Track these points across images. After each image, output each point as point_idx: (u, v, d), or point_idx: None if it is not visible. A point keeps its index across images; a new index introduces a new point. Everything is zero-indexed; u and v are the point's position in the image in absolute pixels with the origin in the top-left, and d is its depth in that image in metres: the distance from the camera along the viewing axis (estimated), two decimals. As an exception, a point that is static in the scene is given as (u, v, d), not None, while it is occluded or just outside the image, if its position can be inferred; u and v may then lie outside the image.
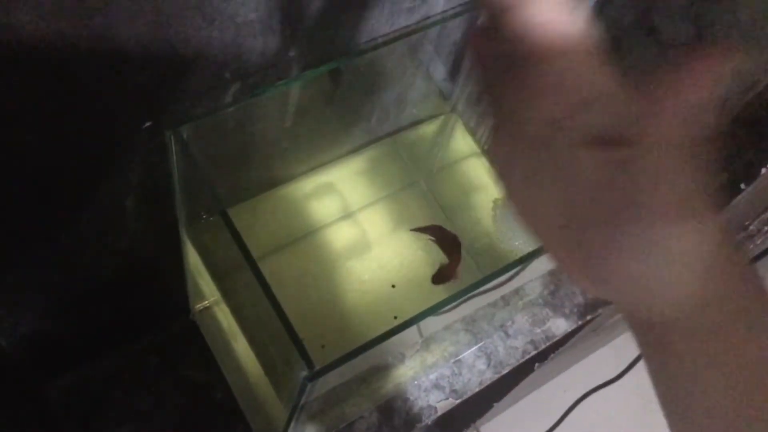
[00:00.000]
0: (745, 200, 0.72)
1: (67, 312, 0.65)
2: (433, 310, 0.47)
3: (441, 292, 0.70)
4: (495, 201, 0.72)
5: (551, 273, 0.85)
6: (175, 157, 0.48)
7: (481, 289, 0.60)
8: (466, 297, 0.55)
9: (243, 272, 0.48)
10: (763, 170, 0.63)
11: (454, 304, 0.53)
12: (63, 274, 0.60)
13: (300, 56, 0.51)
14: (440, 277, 0.69)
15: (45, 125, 0.44)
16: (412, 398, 0.79)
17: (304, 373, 0.42)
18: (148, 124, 0.48)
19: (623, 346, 1.57)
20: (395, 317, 0.68)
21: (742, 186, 0.66)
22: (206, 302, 0.75)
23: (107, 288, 0.66)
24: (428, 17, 0.56)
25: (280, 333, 0.44)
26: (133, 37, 0.41)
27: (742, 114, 0.63)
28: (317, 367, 0.42)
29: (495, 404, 1.16)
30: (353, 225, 0.72)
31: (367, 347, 0.43)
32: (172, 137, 0.46)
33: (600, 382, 1.39)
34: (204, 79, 0.48)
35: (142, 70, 0.44)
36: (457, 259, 0.70)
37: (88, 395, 0.73)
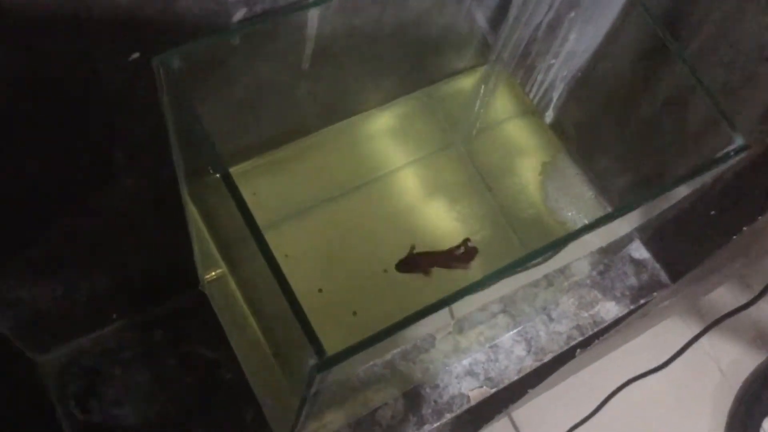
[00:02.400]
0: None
1: (59, 278, 0.58)
2: (465, 293, 0.38)
3: (477, 270, 0.61)
4: (544, 164, 0.63)
5: (601, 251, 0.76)
6: (166, 95, 0.40)
7: (523, 267, 0.51)
8: (505, 277, 0.46)
9: (248, 242, 0.40)
10: None
11: (489, 286, 0.44)
12: (52, 236, 0.53)
13: (319, -22, 0.42)
14: (406, 265, 0.60)
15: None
16: (442, 385, 0.71)
17: (313, 361, 0.33)
18: (135, 55, 0.40)
19: (670, 332, 1.47)
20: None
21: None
22: (217, 272, 0.67)
23: (104, 252, 0.59)
24: (474, -61, 0.46)
25: (287, 314, 0.36)
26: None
27: None
28: (328, 354, 0.33)
29: (530, 390, 1.08)
30: (379, 191, 0.64)
31: (385, 335, 0.34)
32: (161, 68, 0.37)
33: (642, 370, 1.30)
34: (203, 1, 0.39)
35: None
36: (441, 261, 0.60)
37: (84, 371, 0.66)
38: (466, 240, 0.61)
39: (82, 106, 0.43)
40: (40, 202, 0.49)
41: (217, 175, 0.47)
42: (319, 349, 0.33)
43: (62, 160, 0.47)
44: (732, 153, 0.43)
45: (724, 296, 1.59)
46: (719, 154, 0.44)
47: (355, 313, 0.58)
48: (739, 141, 0.43)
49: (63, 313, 0.62)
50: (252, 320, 0.61)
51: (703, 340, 1.31)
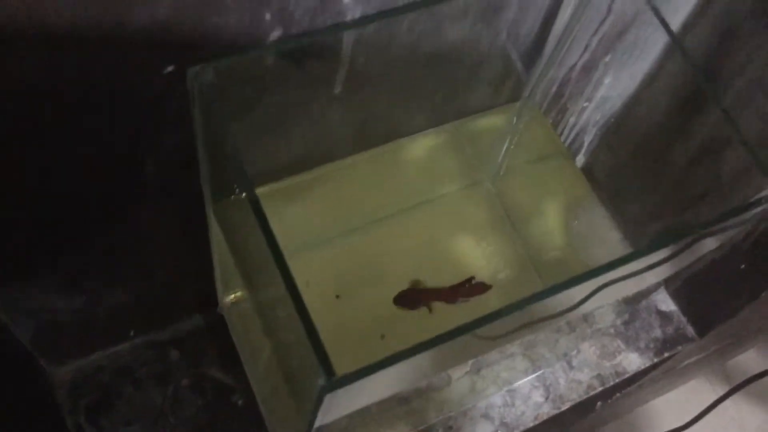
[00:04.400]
0: None
1: (81, 291, 0.58)
2: (475, 326, 0.37)
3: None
4: (572, 206, 0.62)
5: (627, 300, 0.74)
6: (198, 106, 0.40)
7: (543, 306, 0.50)
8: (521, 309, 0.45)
9: (269, 266, 0.40)
10: None
11: (503, 319, 0.43)
12: (74, 250, 0.53)
13: (355, 4, 0.42)
14: (405, 299, 0.59)
15: (45, 61, 0.37)
16: (455, 427, 0.69)
17: (322, 381, 0.33)
18: (170, 68, 0.41)
19: (695, 393, 1.43)
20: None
21: None
22: (236, 294, 0.67)
23: (127, 267, 0.59)
24: (513, -26, 0.47)
25: (300, 334, 0.36)
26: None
27: None
28: (337, 375, 0.33)
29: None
30: (403, 224, 0.63)
31: (397, 358, 0.34)
32: (195, 79, 0.38)
33: (664, 430, 1.26)
34: (239, 17, 0.40)
35: (163, -3, 0.36)
36: (443, 297, 0.60)
37: (98, 387, 0.66)
38: (471, 278, 0.60)
39: (116, 117, 0.43)
40: (71, 216, 0.50)
41: (243, 195, 0.48)
42: (328, 370, 0.33)
43: (94, 174, 0.47)
44: (764, 200, 0.42)
45: (754, 358, 1.54)
46: (750, 201, 0.43)
47: (383, 336, 0.57)
48: (772, 187, 0.43)
49: (81, 327, 0.62)
50: (267, 345, 0.61)
51: (729, 404, 1.27)
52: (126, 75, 0.40)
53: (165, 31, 0.38)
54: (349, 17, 0.43)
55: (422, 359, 0.44)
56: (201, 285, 0.66)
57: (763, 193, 0.43)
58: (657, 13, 0.47)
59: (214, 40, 0.40)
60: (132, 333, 0.67)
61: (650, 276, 0.59)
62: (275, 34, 0.42)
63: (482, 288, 0.60)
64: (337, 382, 0.33)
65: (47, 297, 0.56)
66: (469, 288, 0.60)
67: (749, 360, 1.54)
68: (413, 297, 0.59)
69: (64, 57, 0.37)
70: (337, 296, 0.58)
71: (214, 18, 0.39)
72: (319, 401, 0.34)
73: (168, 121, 0.45)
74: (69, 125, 0.42)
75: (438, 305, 0.59)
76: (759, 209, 0.43)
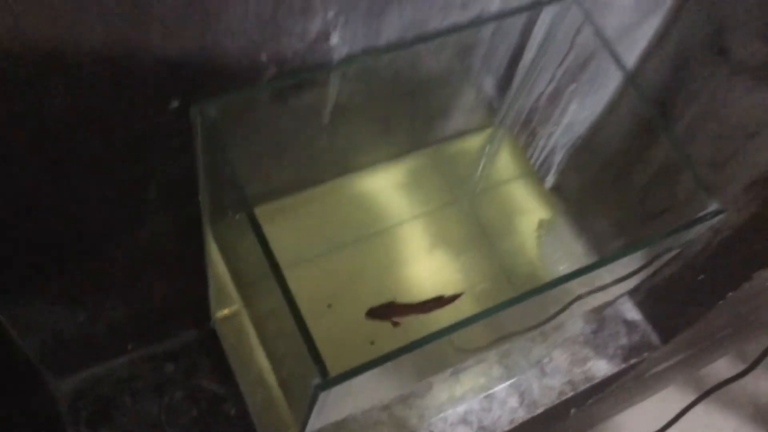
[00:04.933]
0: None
1: (84, 305, 0.62)
2: (455, 329, 0.42)
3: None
4: (541, 222, 0.67)
5: (595, 310, 0.79)
6: (200, 138, 0.44)
7: (517, 315, 0.55)
8: (495, 318, 0.50)
9: (266, 278, 0.44)
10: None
11: (480, 326, 0.48)
12: (78, 267, 0.57)
13: (341, 44, 0.47)
14: (376, 312, 0.62)
15: (62, 94, 0.41)
16: (436, 431, 0.74)
17: (317, 380, 0.37)
18: (175, 104, 0.45)
19: (666, 402, 1.49)
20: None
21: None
22: (228, 310, 0.71)
23: (124, 285, 0.63)
24: (482, 16, 0.52)
25: (295, 338, 0.40)
26: (164, 1, 0.38)
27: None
28: (331, 375, 0.37)
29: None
30: (387, 242, 0.68)
31: (384, 359, 0.38)
32: (199, 114, 0.42)
33: (637, 437, 1.30)
34: (238, 58, 0.44)
35: (171, 39, 0.41)
36: (414, 310, 0.64)
37: (97, 398, 0.70)
38: (439, 297, 0.64)
39: (124, 148, 0.47)
40: (76, 236, 0.54)
41: (238, 216, 0.52)
42: (323, 370, 0.37)
43: (101, 198, 0.51)
44: (708, 216, 0.47)
45: (725, 367, 1.60)
46: (695, 217, 0.48)
47: (372, 342, 0.61)
48: (713, 206, 0.48)
49: (84, 340, 0.65)
50: (258, 357, 0.65)
51: (701, 413, 1.32)
52: (135, 109, 0.45)
53: (172, 71, 0.43)
54: (335, 57, 0.48)
55: (408, 364, 0.48)
56: (195, 301, 0.69)
57: (707, 210, 0.49)
58: (612, 51, 0.52)
59: (215, 78, 0.45)
60: (130, 347, 0.70)
61: (613, 287, 0.64)
62: (270, 72, 0.47)
63: (453, 297, 0.64)
64: (331, 380, 0.37)
65: (53, 312, 0.60)
66: (439, 300, 0.64)
67: (720, 369, 1.59)
68: (385, 312, 0.63)
69: (82, 92, 0.42)
70: (329, 305, 0.62)
71: (216, 59, 0.44)
72: (314, 400, 0.39)
73: (171, 150, 0.49)
74: (78, 153, 0.46)
75: (413, 319, 0.63)
76: (704, 225, 0.48)
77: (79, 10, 0.37)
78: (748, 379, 1.12)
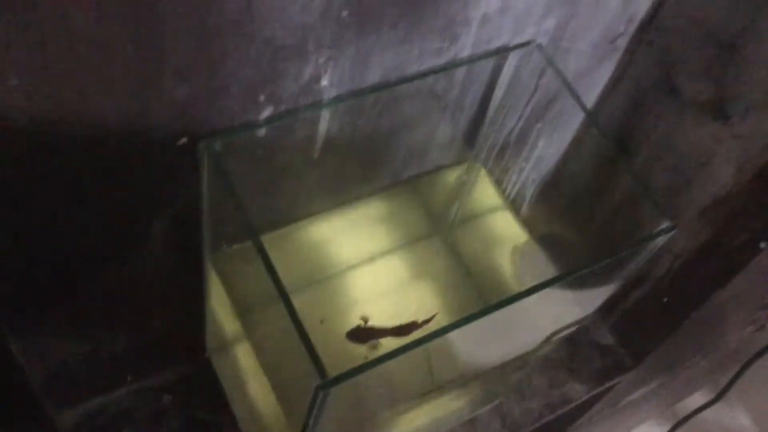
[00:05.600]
0: (765, 264, 0.71)
1: (88, 336, 0.66)
2: (434, 337, 0.46)
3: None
4: (515, 247, 0.72)
5: (570, 337, 0.84)
6: (206, 172, 0.50)
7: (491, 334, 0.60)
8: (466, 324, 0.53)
9: (267, 298, 0.48)
10: (784, 228, 0.63)
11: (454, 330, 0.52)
12: (85, 298, 0.61)
13: (331, 86, 0.53)
14: (357, 334, 0.67)
15: (76, 139, 0.46)
16: (423, 454, 0.77)
17: (318, 381, 0.42)
18: (183, 140, 0.50)
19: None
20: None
21: (762, 245, 0.66)
22: (224, 340, 0.75)
23: (127, 317, 0.67)
24: (455, 61, 0.58)
25: (297, 350, 0.44)
26: (175, 49, 0.43)
27: (762, 171, 0.63)
28: (331, 376, 0.42)
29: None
30: (370, 272, 0.72)
31: (386, 358, 0.43)
32: (206, 149, 0.47)
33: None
34: (239, 99, 0.50)
35: (180, 83, 0.46)
36: (391, 333, 0.68)
37: (96, 429, 0.73)
38: (413, 322, 0.68)
39: (133, 183, 0.52)
40: (82, 266, 0.58)
41: (235, 246, 0.57)
42: (322, 370, 0.42)
43: (109, 232, 0.56)
44: (660, 233, 0.53)
45: (700, 401, 1.65)
46: (649, 234, 0.54)
47: (366, 358, 0.64)
48: (666, 223, 0.54)
49: (87, 371, 0.69)
50: (254, 387, 0.69)
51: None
52: (145, 147, 0.50)
53: (181, 112, 0.48)
54: (325, 97, 0.54)
55: (389, 384, 0.53)
56: (192, 333, 0.73)
57: (660, 227, 0.54)
58: (572, 91, 0.59)
59: (219, 117, 0.50)
60: (129, 378, 0.74)
61: (580, 308, 0.70)
62: (267, 111, 0.52)
63: (428, 319, 0.68)
64: (330, 381, 0.41)
65: (60, 343, 0.64)
66: (415, 324, 0.68)
67: (696, 402, 1.64)
68: (363, 334, 0.67)
69: (96, 139, 0.47)
70: (322, 321, 0.66)
71: (219, 100, 0.49)
72: (314, 402, 0.43)
73: (176, 186, 0.54)
74: (87, 190, 0.51)
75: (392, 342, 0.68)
76: (657, 241, 0.54)
77: (100, 77, 0.42)
78: (722, 411, 1.17)
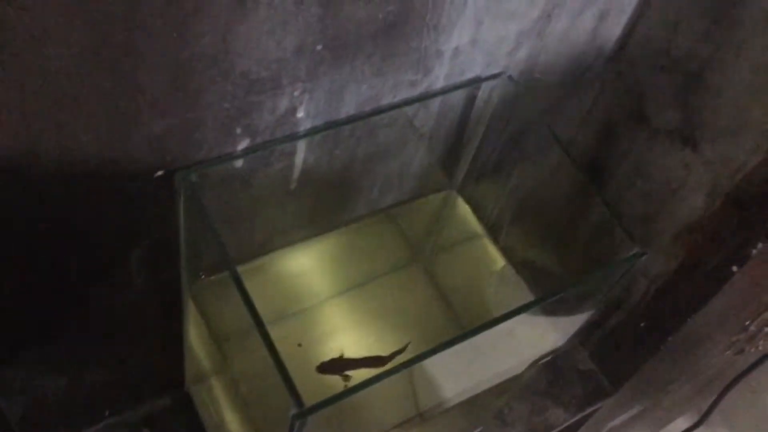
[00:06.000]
0: (739, 288, 0.73)
1: (66, 371, 0.65)
2: (408, 365, 0.47)
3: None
4: (492, 273, 0.73)
5: (550, 363, 0.85)
6: (183, 204, 0.50)
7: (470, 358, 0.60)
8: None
9: (245, 328, 0.49)
10: (754, 251, 0.64)
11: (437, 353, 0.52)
12: (61, 332, 0.61)
13: (306, 118, 0.54)
14: (327, 367, 0.67)
15: (53, 172, 0.46)
16: (405, 483, 0.77)
17: (294, 410, 0.42)
18: (160, 173, 0.51)
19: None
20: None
21: (734, 269, 0.67)
22: (203, 372, 0.74)
23: (105, 351, 0.67)
24: (429, 91, 0.59)
25: (274, 380, 0.45)
26: (151, 84, 0.44)
27: (732, 196, 0.65)
28: (307, 405, 0.42)
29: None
30: (350, 303, 0.73)
31: (361, 387, 0.43)
32: (183, 181, 0.48)
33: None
34: (216, 132, 0.51)
35: (157, 117, 0.47)
36: (363, 364, 0.68)
37: (75, 465, 0.72)
38: (386, 355, 0.68)
39: (110, 217, 0.53)
40: (59, 298, 0.58)
41: (213, 277, 0.57)
42: (298, 400, 0.42)
43: (86, 265, 0.56)
44: (632, 258, 0.54)
45: (681, 426, 1.65)
46: (619, 259, 0.55)
47: (345, 386, 0.65)
48: (636, 249, 0.55)
49: (64, 407, 0.68)
50: (232, 420, 0.69)
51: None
52: (122, 180, 0.50)
53: (158, 145, 0.49)
54: (301, 128, 0.55)
55: (373, 408, 0.53)
56: (170, 366, 0.73)
57: (631, 252, 0.55)
58: (548, 126, 0.60)
59: (195, 149, 0.51)
60: (107, 413, 0.73)
61: (558, 335, 0.70)
62: (243, 143, 0.53)
63: (401, 349, 0.68)
64: (307, 410, 0.42)
65: (37, 378, 0.63)
66: (392, 354, 0.68)
67: (679, 428, 1.65)
68: (334, 366, 0.67)
69: (78, 165, 0.47)
70: (299, 345, 0.66)
71: (196, 133, 0.50)
72: (291, 428, 0.43)
73: (154, 218, 0.55)
74: (65, 223, 0.51)
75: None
76: (627, 266, 0.55)
77: (77, 112, 0.43)
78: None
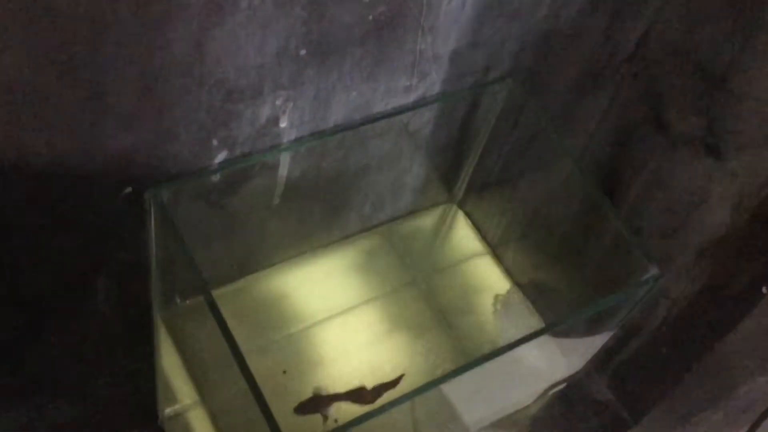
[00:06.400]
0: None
1: (26, 406, 0.66)
2: (414, 394, 0.47)
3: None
4: (496, 296, 0.74)
5: (563, 392, 0.85)
6: (153, 222, 0.51)
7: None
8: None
9: (225, 364, 0.49)
10: (786, 271, 0.65)
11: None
12: (20, 361, 0.62)
13: (290, 127, 0.55)
14: (306, 407, 0.67)
15: (13, 189, 0.47)
16: None
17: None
18: (128, 190, 0.51)
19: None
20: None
21: (764, 289, 0.68)
22: (177, 406, 0.75)
23: (69, 382, 0.67)
24: (426, 98, 0.60)
25: (251, 406, 0.45)
26: (118, 94, 0.45)
27: (761, 209, 0.65)
28: (290, 447, 0.42)
29: None
30: (341, 326, 0.73)
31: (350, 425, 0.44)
32: (152, 198, 0.48)
33: None
34: (190, 144, 0.51)
35: (126, 131, 0.47)
36: (341, 399, 0.68)
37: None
38: (362, 387, 0.69)
39: (77, 236, 0.53)
40: (21, 324, 0.58)
41: (187, 302, 0.58)
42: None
43: (50, 286, 0.56)
44: (650, 281, 0.55)
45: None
46: (636, 281, 0.55)
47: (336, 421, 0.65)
48: (654, 270, 0.55)
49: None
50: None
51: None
52: (89, 197, 0.51)
53: (126, 160, 0.50)
54: (285, 139, 0.56)
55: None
56: (141, 399, 0.74)
57: (648, 275, 0.56)
58: (552, 129, 0.61)
59: (168, 163, 0.51)
60: (74, 450, 0.74)
61: (572, 362, 0.71)
62: (221, 156, 0.54)
63: (393, 383, 0.69)
64: (289, 451, 0.42)
65: (-5, 413, 0.64)
66: (378, 387, 0.69)
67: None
68: (312, 405, 0.67)
69: (38, 182, 0.48)
70: (284, 372, 0.67)
71: (167, 146, 0.51)
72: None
73: (123, 238, 0.55)
74: (27, 242, 0.52)
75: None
76: (645, 289, 0.55)
77: (37, 124, 0.43)
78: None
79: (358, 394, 0.67)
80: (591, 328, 0.65)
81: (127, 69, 0.44)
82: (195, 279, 0.49)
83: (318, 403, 0.67)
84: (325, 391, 0.68)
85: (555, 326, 0.52)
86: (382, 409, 0.46)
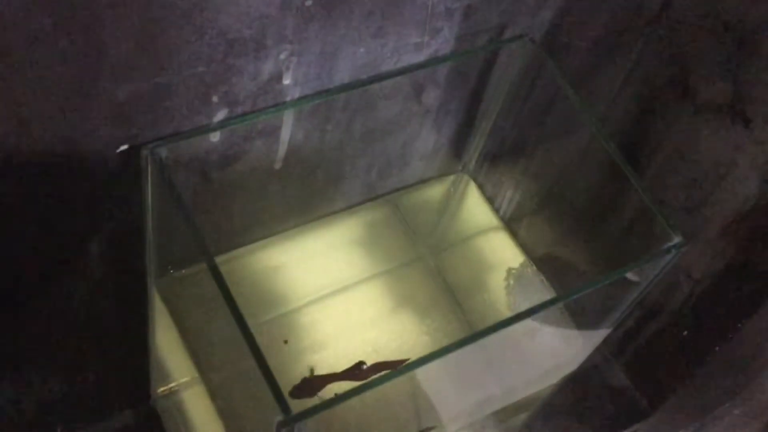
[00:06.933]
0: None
1: (12, 379, 0.67)
2: (415, 366, 0.48)
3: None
4: (509, 270, 0.74)
5: (577, 378, 0.86)
6: (150, 183, 0.51)
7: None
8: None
9: (224, 337, 0.49)
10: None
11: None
12: (4, 333, 0.62)
13: (294, 85, 0.55)
14: (300, 390, 0.67)
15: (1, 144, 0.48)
16: None
17: (279, 418, 0.43)
18: (123, 147, 0.52)
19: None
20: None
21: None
22: (171, 385, 0.76)
23: (57, 356, 0.68)
24: (438, 56, 0.60)
25: (258, 386, 0.46)
26: (114, 43, 0.46)
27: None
28: (293, 413, 0.43)
29: None
30: (345, 302, 0.74)
31: (350, 395, 0.44)
32: (149, 156, 0.49)
33: None
34: (189, 100, 0.52)
35: (121, 83, 0.48)
36: (338, 379, 0.69)
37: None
38: (361, 363, 0.69)
39: (68, 195, 0.54)
40: (6, 293, 0.59)
41: (201, 266, 0.58)
42: (285, 407, 0.43)
43: (40, 250, 0.57)
44: (673, 249, 0.55)
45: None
46: (658, 250, 0.56)
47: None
48: (678, 238, 0.56)
49: (9, 424, 0.69)
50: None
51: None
52: (80, 155, 0.52)
53: (121, 115, 0.50)
54: (288, 98, 0.56)
55: (376, 415, 0.54)
56: (133, 376, 0.75)
57: (671, 243, 0.57)
58: (572, 93, 0.61)
59: (165, 120, 0.52)
60: (59, 430, 0.75)
61: (586, 342, 0.71)
62: (221, 114, 0.54)
63: (394, 364, 0.69)
64: (293, 417, 0.43)
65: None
66: (377, 365, 0.69)
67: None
68: (308, 387, 0.68)
69: (28, 139, 0.49)
70: (285, 341, 0.68)
71: (165, 102, 0.51)
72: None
73: (118, 200, 0.56)
74: (17, 202, 0.53)
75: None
76: (668, 258, 0.56)
77: (29, 72, 0.44)
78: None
79: (354, 373, 0.68)
80: (608, 308, 0.66)
81: (125, 15, 0.44)
82: (194, 243, 0.49)
83: (311, 385, 0.68)
84: (319, 372, 0.68)
85: (567, 298, 0.52)
86: (371, 385, 0.47)
